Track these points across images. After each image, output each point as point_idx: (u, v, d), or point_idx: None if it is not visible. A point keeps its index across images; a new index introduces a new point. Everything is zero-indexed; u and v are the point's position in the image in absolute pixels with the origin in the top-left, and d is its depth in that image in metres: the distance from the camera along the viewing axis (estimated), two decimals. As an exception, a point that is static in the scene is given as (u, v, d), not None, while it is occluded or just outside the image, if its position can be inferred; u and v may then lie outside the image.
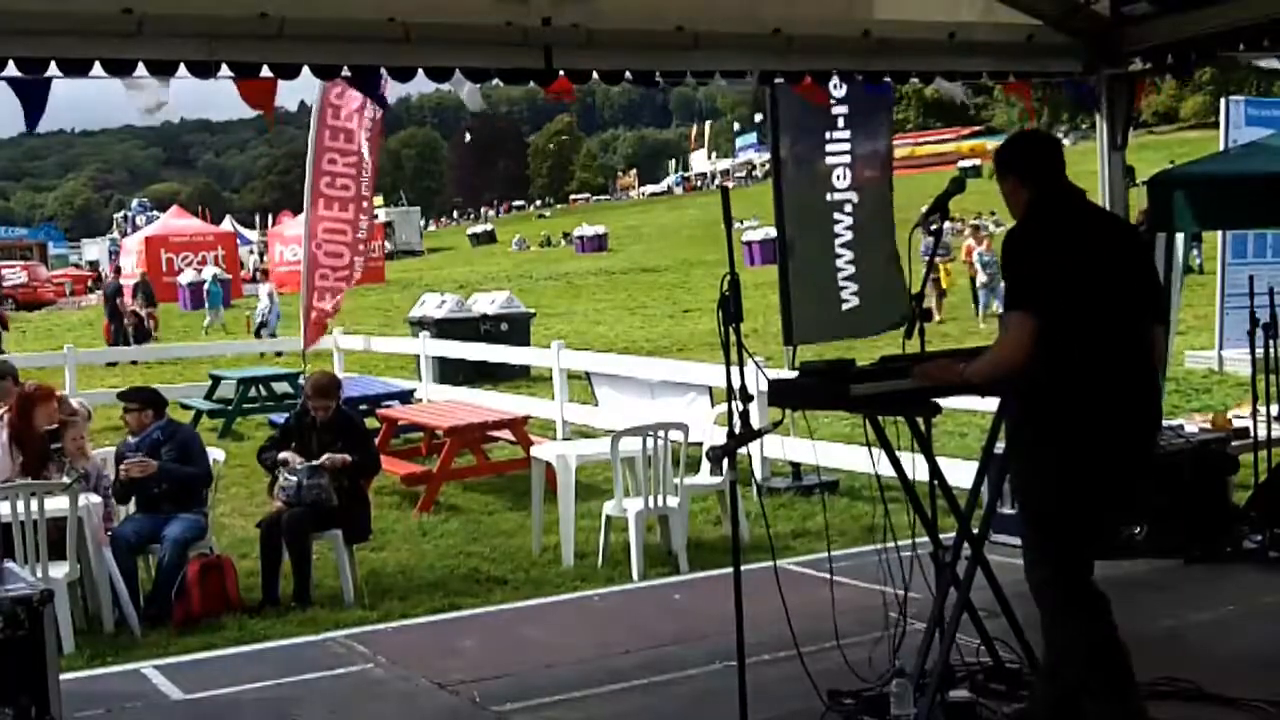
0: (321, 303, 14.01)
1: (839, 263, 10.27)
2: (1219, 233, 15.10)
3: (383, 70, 6.67)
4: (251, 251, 62.09)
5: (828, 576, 5.96)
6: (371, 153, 13.87)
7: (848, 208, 10.28)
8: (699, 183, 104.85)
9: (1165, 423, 8.11)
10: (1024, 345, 4.36)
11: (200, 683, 6.28)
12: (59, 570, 7.11)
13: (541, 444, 10.14)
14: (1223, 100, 15.08)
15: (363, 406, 12.50)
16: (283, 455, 8.08)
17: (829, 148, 10.26)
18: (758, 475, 10.42)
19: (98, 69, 5.93)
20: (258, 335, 27.09)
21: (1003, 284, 4.71)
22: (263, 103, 6.36)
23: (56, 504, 7.17)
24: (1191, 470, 7.55)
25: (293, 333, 19.22)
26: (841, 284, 10.29)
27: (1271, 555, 7.33)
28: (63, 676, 5.40)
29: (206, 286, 36.74)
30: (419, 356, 16.95)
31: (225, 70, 6.19)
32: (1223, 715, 5.03)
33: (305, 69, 6.41)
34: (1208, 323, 17.13)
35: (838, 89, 9.84)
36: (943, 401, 4.87)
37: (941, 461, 5.32)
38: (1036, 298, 4.34)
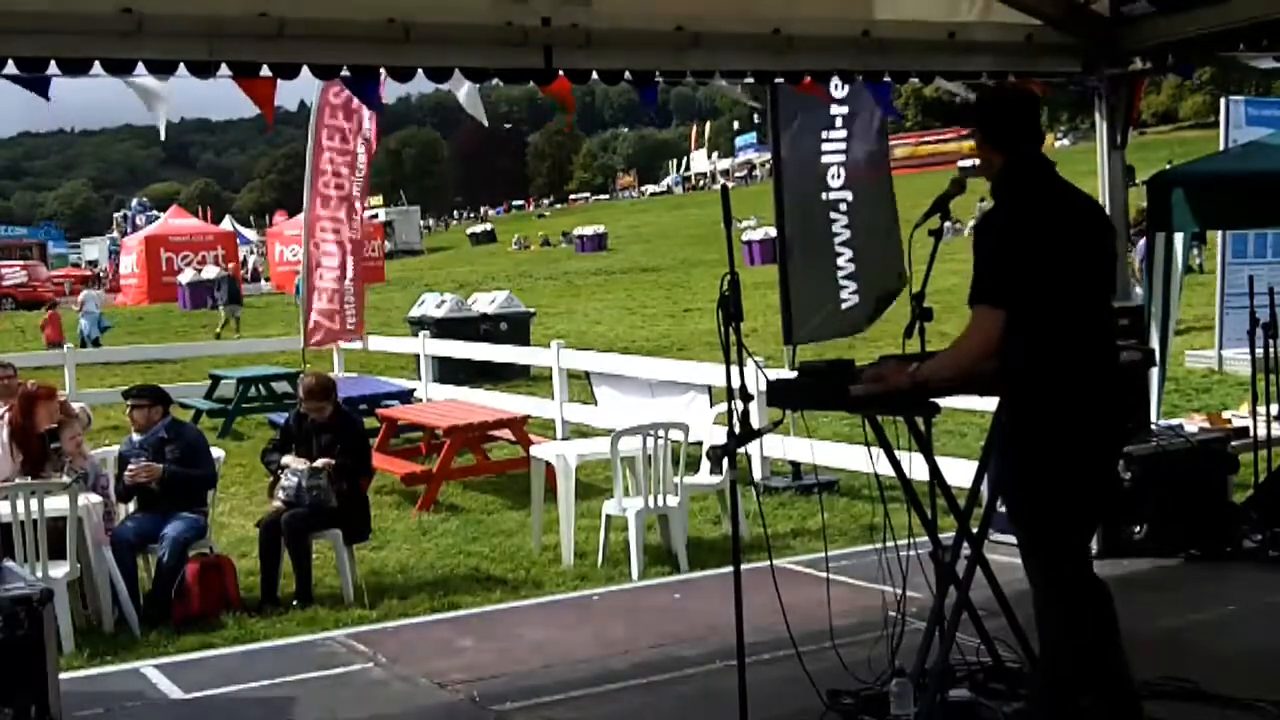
0: (320, 303, 14.05)
1: (839, 261, 10.29)
2: (1219, 232, 15.11)
3: (382, 71, 6.67)
4: (252, 251, 62.14)
5: (827, 576, 5.97)
6: (367, 152, 13.91)
7: (843, 206, 10.29)
8: (699, 182, 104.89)
9: (1165, 422, 8.14)
10: (990, 339, 4.34)
11: (200, 682, 6.28)
12: (59, 570, 7.11)
13: (541, 443, 10.14)
14: (1222, 100, 15.08)
15: (362, 406, 12.52)
16: (285, 459, 8.09)
17: (825, 147, 10.27)
18: (757, 475, 10.42)
19: (98, 69, 5.93)
20: (83, 345, 26.53)
21: None
22: (262, 103, 6.36)
23: (56, 503, 7.17)
24: (1191, 470, 7.55)
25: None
26: (842, 283, 10.30)
27: (1271, 555, 7.33)
28: (62, 676, 5.42)
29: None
30: (419, 356, 16.95)
31: (225, 70, 6.19)
32: (1223, 715, 5.03)
33: (305, 69, 6.41)
34: (1208, 323, 17.14)
35: (838, 89, 9.86)
36: (942, 401, 4.86)
37: (941, 461, 5.32)
38: (1005, 291, 4.31)
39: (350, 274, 13.98)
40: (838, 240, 10.28)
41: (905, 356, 4.79)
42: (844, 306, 10.38)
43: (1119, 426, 4.59)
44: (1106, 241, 4.63)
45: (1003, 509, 6.15)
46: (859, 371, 4.88)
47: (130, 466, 7.84)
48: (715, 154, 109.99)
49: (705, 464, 9.16)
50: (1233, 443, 7.95)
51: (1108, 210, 7.91)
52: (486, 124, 7.72)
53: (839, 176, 10.27)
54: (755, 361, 5.16)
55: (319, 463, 7.97)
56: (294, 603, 7.76)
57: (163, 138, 6.72)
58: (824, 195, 10.26)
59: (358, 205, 13.97)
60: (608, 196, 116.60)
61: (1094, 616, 4.42)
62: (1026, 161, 4.53)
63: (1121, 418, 4.60)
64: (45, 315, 29.38)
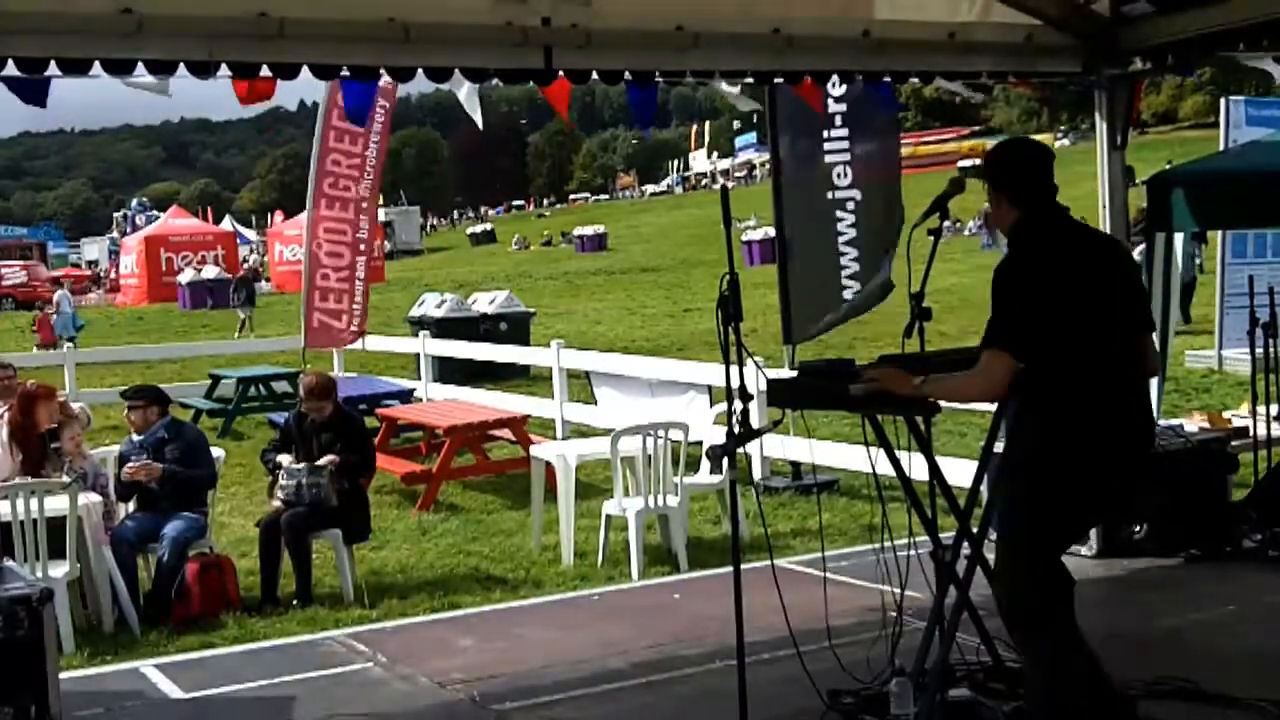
0: (324, 303, 14.10)
1: (843, 260, 10.29)
2: (1219, 232, 15.11)
3: (382, 71, 6.67)
4: (252, 251, 62.14)
5: (827, 576, 5.97)
6: (378, 155, 13.99)
7: (850, 205, 10.29)
8: (699, 182, 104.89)
9: (1165, 422, 8.13)
10: (997, 385, 4.35)
11: (199, 682, 6.28)
12: (58, 569, 7.11)
13: (541, 443, 10.15)
14: (1222, 100, 15.08)
15: (362, 406, 12.51)
16: (280, 458, 8.11)
17: (827, 146, 10.26)
18: (757, 474, 10.42)
19: (98, 69, 5.93)
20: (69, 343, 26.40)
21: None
22: (253, 95, 6.34)
23: (56, 503, 7.17)
24: (1191, 470, 7.55)
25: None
26: (845, 283, 10.30)
27: (1271, 555, 7.33)
28: (62, 675, 5.42)
29: None
30: (419, 356, 16.96)
31: (225, 70, 6.19)
32: (1223, 715, 5.03)
33: (305, 69, 6.41)
34: (1208, 324, 17.15)
35: (835, 88, 9.85)
36: (942, 401, 4.86)
37: (941, 461, 5.32)
38: (1018, 339, 4.30)
39: (360, 274, 14.09)
40: (842, 240, 10.29)
41: (906, 356, 4.80)
42: (844, 307, 10.38)
43: (1133, 464, 4.58)
44: (1130, 279, 4.65)
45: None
46: (859, 371, 4.88)
47: (128, 464, 7.84)
48: (715, 154, 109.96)
49: (705, 464, 9.16)
50: (1233, 443, 7.96)
51: (1108, 210, 7.92)
52: (481, 126, 7.68)
53: (845, 175, 10.27)
54: (755, 361, 5.16)
55: (322, 460, 7.98)
56: (294, 603, 7.76)
57: (157, 122, 6.72)
58: (830, 194, 10.26)
59: (365, 206, 14.06)
60: (608, 196, 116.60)
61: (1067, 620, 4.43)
62: (1042, 213, 4.53)
63: (1138, 455, 4.60)
64: (37, 317, 29.38)
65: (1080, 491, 4.37)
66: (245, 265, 44.58)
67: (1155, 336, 8.31)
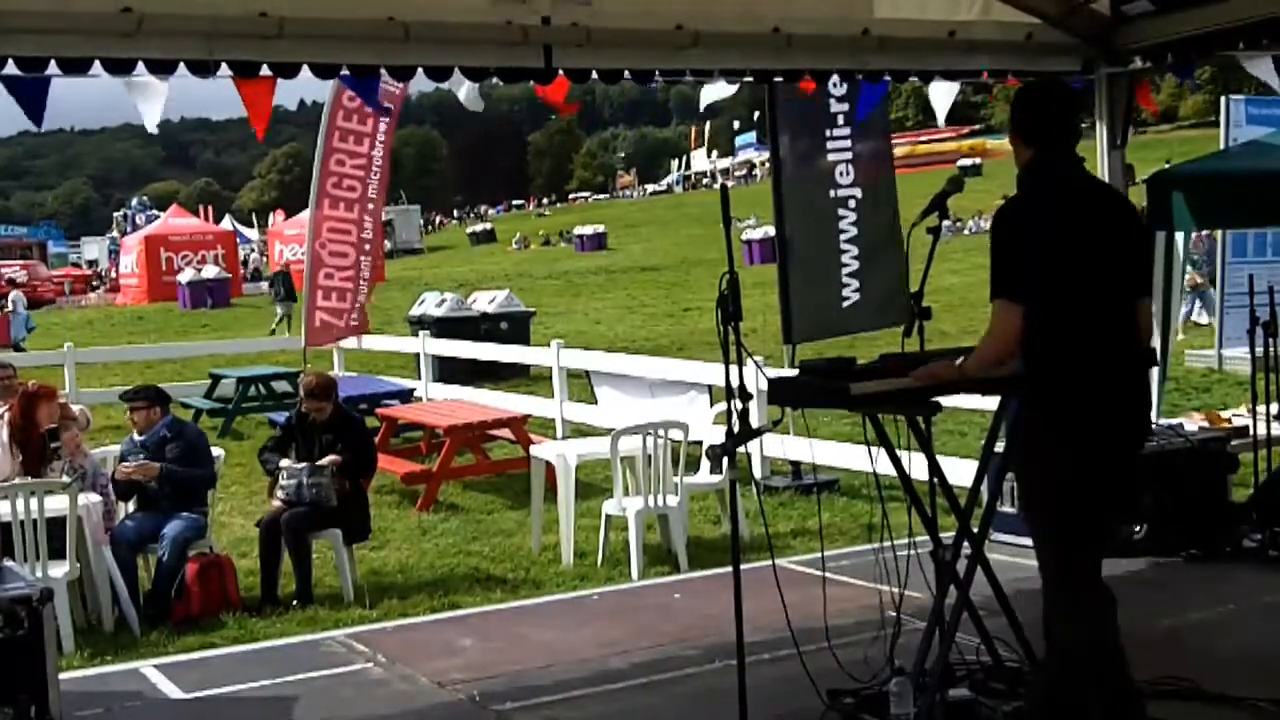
0: (327, 301, 14.13)
1: (844, 259, 10.29)
2: (1219, 232, 15.12)
3: (383, 70, 6.67)
4: (252, 250, 62.14)
5: (827, 576, 5.97)
6: (384, 156, 14.04)
7: (852, 204, 10.30)
8: (699, 181, 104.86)
9: (1165, 421, 8.13)
10: (1010, 335, 4.30)
11: (200, 682, 6.28)
12: (58, 569, 7.11)
13: (541, 443, 10.15)
14: (1223, 99, 15.08)
15: (362, 405, 12.51)
16: (283, 463, 8.10)
17: (830, 145, 10.27)
18: (757, 474, 10.42)
19: (97, 68, 5.93)
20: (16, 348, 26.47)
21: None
22: (259, 109, 6.35)
23: (56, 503, 7.17)
24: (1191, 469, 7.55)
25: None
26: (845, 280, 10.31)
27: (1271, 554, 7.33)
28: (62, 675, 5.43)
29: None
30: (419, 355, 16.96)
31: (225, 70, 6.19)
32: (1222, 714, 5.03)
33: (305, 68, 6.41)
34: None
35: (837, 87, 9.85)
36: (943, 400, 4.85)
37: (941, 460, 5.31)
38: (1023, 285, 4.27)
39: (365, 274, 14.15)
40: (844, 238, 10.29)
41: (905, 355, 4.79)
42: (845, 305, 10.38)
43: (1134, 435, 4.55)
44: (1135, 239, 4.58)
45: (1005, 509, 6.19)
46: (860, 370, 4.88)
47: (124, 464, 7.83)
48: (715, 153, 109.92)
49: (705, 464, 9.16)
50: (1233, 442, 7.95)
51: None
52: (482, 108, 7.70)
53: (848, 174, 10.28)
54: (755, 361, 5.16)
55: (324, 460, 7.98)
56: (294, 603, 7.76)
57: (153, 130, 6.75)
58: (832, 193, 10.27)
59: (371, 207, 14.12)
60: (607, 196, 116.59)
61: (1099, 619, 4.41)
62: (1054, 156, 4.48)
63: (1138, 425, 4.56)
64: None
65: (1081, 480, 4.34)
66: (281, 261, 44.00)
67: (1156, 336, 8.35)
